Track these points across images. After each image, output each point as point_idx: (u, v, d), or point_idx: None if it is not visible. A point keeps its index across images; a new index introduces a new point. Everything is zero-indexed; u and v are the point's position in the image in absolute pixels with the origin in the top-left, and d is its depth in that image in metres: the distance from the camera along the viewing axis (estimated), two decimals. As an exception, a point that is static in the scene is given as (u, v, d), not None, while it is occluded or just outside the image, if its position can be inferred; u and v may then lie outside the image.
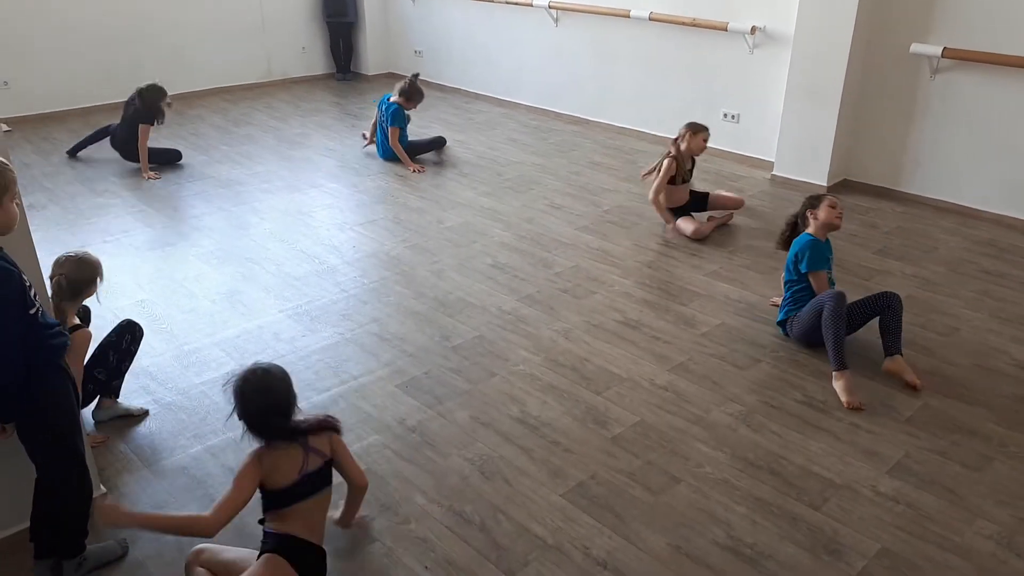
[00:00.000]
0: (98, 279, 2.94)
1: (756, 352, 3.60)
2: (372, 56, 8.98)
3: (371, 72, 9.05)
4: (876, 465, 2.88)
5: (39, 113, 7.12)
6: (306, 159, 6.25)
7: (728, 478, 2.81)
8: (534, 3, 7.04)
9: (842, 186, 5.61)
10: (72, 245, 4.62)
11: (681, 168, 4.85)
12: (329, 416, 2.38)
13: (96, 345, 3.03)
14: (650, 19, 6.28)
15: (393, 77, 9.01)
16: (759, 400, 3.25)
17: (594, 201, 5.39)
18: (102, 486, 2.68)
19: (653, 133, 6.72)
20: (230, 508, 2.16)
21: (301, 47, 8.76)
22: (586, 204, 5.34)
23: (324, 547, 2.33)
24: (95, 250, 4.51)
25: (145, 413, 3.18)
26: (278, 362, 3.42)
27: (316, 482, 2.28)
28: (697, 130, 4.83)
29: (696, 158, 5.00)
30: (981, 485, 2.79)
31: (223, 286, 4.19)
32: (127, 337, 3.12)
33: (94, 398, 3.09)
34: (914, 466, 2.88)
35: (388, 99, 6.03)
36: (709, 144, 6.49)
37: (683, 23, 6.11)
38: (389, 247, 4.67)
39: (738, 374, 3.43)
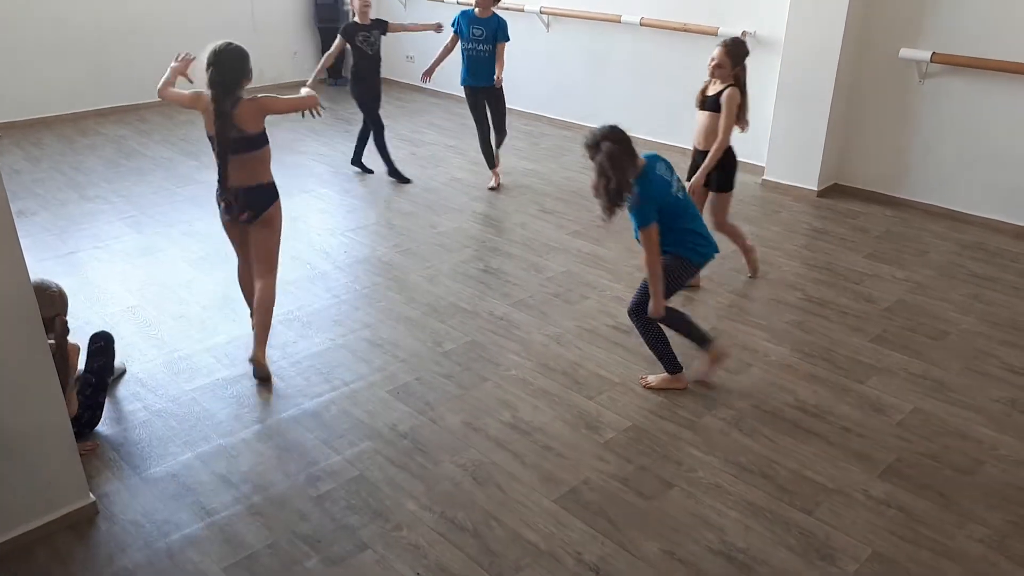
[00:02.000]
0: (61, 314, 2.85)
1: (748, 356, 3.60)
2: (364, 61, 8.95)
3: (364, 77, 9.02)
4: (868, 469, 2.88)
5: (29, 118, 7.08)
6: (298, 164, 6.23)
7: (720, 483, 2.81)
8: (525, 8, 7.05)
9: (833, 190, 5.64)
10: (62, 252, 4.60)
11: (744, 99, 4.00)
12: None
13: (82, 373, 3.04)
14: (641, 24, 6.30)
15: (384, 82, 8.98)
16: (751, 404, 3.26)
17: (586, 206, 5.39)
18: (91, 494, 2.66)
19: (644, 138, 6.72)
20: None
21: (293, 52, 8.75)
22: (578, 209, 5.34)
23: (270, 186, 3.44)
24: (86, 256, 4.54)
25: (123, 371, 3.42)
26: (269, 367, 3.42)
27: (238, 147, 3.29)
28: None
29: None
30: (972, 489, 2.80)
31: (214, 292, 4.17)
32: (101, 359, 3.14)
33: (99, 419, 3.10)
34: (905, 470, 2.88)
35: (470, 13, 5.39)
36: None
37: (674, 28, 6.13)
38: (381, 252, 4.66)
39: (730, 378, 3.43)
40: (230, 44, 3.24)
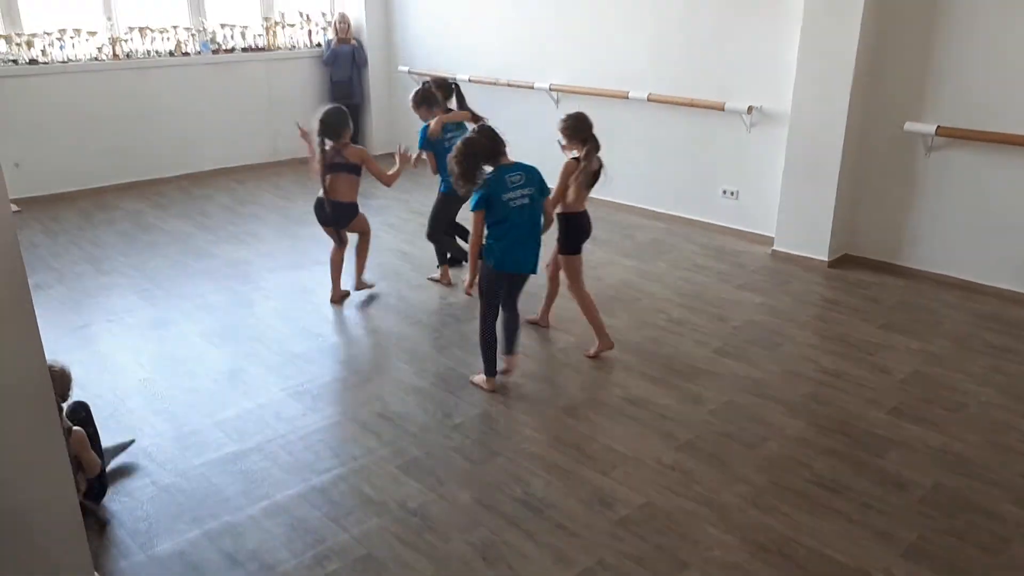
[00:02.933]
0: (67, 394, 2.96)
1: (763, 430, 3.54)
2: (377, 136, 9.17)
3: (376, 151, 9.20)
4: (889, 547, 2.80)
5: (49, 194, 7.23)
6: (312, 237, 6.29)
7: (739, 562, 2.73)
8: (535, 85, 7.23)
9: (844, 261, 5.64)
10: (75, 325, 4.64)
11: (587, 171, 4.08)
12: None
13: None
14: (648, 100, 6.43)
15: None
16: (768, 480, 3.19)
17: (596, 276, 5.41)
18: (96, 573, 2.61)
19: (653, 209, 6.80)
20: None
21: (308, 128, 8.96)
22: (588, 279, 5.30)
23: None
24: (99, 329, 4.57)
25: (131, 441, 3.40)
26: (278, 442, 3.41)
27: (337, 167, 4.64)
28: None
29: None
30: (999, 570, 2.70)
31: (225, 365, 4.17)
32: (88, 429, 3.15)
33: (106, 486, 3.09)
34: (929, 548, 2.80)
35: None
36: (709, 220, 6.62)
37: (681, 103, 6.26)
38: (392, 323, 4.67)
39: (746, 453, 3.37)
40: (333, 106, 4.75)
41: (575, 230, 4.25)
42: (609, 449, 3.40)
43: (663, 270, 5.53)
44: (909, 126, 5.13)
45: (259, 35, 8.42)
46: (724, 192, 6.28)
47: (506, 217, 3.69)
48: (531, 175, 3.78)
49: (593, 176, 4.14)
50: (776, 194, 5.78)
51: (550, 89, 7.18)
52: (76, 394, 3.73)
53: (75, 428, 2.93)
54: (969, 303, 4.94)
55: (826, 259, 5.56)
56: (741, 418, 3.64)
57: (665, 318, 4.74)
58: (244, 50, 8.28)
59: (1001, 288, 5.03)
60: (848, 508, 3.01)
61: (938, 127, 5.00)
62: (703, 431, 3.53)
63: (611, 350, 4.24)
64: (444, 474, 3.22)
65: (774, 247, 5.84)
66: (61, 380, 2.92)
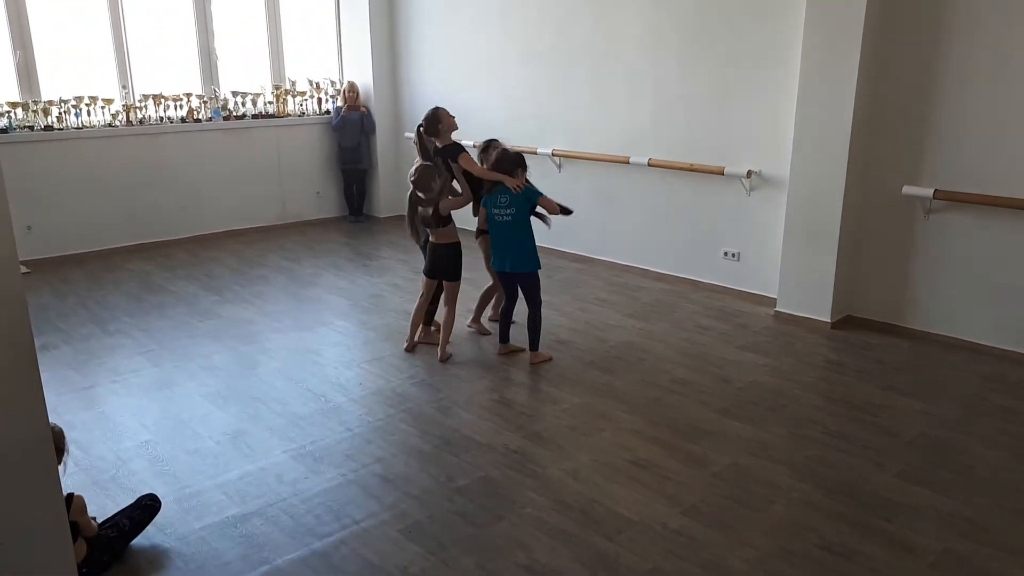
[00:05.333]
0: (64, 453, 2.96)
1: (769, 493, 3.51)
2: (384, 199, 9.32)
3: (382, 215, 9.36)
4: (902, 615, 2.74)
5: (59, 255, 7.33)
6: (317, 298, 6.36)
7: (746, 630, 2.67)
8: (538, 151, 7.38)
9: (846, 322, 5.65)
10: (80, 386, 4.65)
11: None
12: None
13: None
14: (649, 165, 6.55)
15: (403, 219, 9.29)
16: (775, 544, 3.14)
17: (600, 337, 5.42)
18: (90, 640, 2.57)
19: (656, 270, 6.85)
20: None
21: (316, 192, 9.13)
22: (592, 340, 5.37)
23: None
24: (103, 390, 4.58)
25: None
26: (279, 505, 3.39)
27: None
28: None
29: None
30: (1015, 637, 2.64)
31: (228, 426, 4.16)
32: (143, 515, 3.20)
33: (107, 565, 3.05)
34: (942, 616, 2.74)
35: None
36: (711, 281, 6.65)
37: (681, 168, 6.37)
38: (395, 384, 4.67)
39: (752, 516, 3.33)
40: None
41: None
42: (614, 513, 3.36)
43: (666, 330, 5.55)
44: (907, 190, 5.21)
45: (270, 102, 8.65)
46: (725, 254, 6.34)
47: (492, 226, 4.91)
48: (508, 195, 4.86)
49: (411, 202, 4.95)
50: (778, 256, 5.83)
51: (552, 154, 7.32)
52: (77, 456, 3.75)
53: (76, 495, 2.91)
54: (973, 364, 4.93)
55: (829, 320, 5.57)
56: (746, 481, 3.60)
57: (669, 378, 4.73)
58: (255, 116, 8.49)
59: (1005, 349, 5.03)
60: (857, 574, 2.96)
61: (935, 191, 5.07)
62: (708, 494, 3.49)
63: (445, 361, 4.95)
64: (446, 538, 3.18)
65: (777, 308, 5.86)
66: (57, 441, 2.92)
